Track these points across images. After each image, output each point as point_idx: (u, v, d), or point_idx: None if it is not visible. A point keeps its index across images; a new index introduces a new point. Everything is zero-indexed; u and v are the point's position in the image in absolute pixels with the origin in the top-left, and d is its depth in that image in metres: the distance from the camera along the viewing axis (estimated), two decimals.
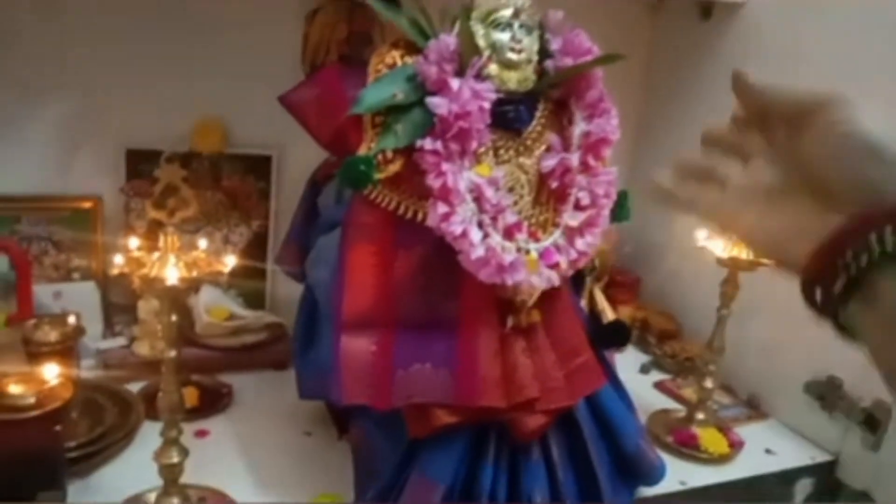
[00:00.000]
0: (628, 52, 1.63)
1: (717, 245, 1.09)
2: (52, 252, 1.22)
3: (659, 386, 1.36)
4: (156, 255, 0.76)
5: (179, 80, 1.24)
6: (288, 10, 1.24)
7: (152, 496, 0.86)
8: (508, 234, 0.80)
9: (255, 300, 1.38)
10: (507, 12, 0.82)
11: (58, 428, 0.85)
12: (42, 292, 1.16)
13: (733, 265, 1.07)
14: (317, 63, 1.22)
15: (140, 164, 1.22)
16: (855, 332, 0.37)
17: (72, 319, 1.03)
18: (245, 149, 1.32)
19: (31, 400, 0.83)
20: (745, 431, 1.20)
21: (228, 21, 1.25)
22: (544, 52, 0.86)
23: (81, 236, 1.23)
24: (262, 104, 1.10)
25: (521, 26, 0.82)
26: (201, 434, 1.05)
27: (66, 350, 1.00)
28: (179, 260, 0.75)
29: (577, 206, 0.83)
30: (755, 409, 1.31)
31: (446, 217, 0.76)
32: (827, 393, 1.18)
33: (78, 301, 1.19)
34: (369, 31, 1.19)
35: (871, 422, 1.11)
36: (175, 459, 0.83)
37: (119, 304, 1.26)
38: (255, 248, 1.37)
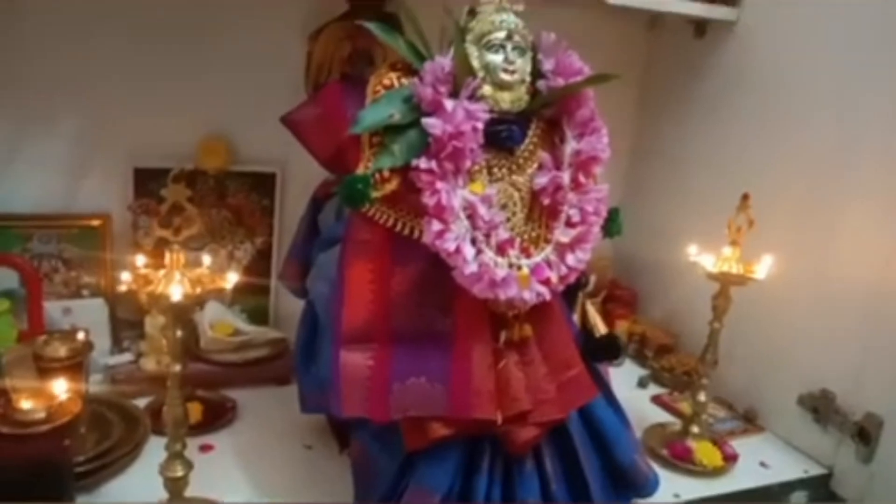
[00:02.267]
0: (625, 69, 1.67)
1: (707, 260, 1.11)
2: (61, 269, 1.25)
3: (656, 400, 1.38)
4: (162, 272, 0.79)
5: (185, 100, 1.28)
6: (292, 30, 1.29)
7: None
8: (501, 250, 0.82)
9: (259, 315, 1.41)
10: (500, 34, 0.85)
11: (67, 442, 0.87)
12: (52, 309, 1.19)
13: (724, 279, 1.09)
14: (320, 81, 1.26)
15: (147, 182, 1.26)
16: None
17: (81, 335, 1.05)
18: (249, 166, 1.36)
19: (42, 415, 0.85)
20: (741, 444, 1.22)
21: (233, 41, 1.28)
22: (537, 73, 0.89)
23: (90, 253, 1.26)
24: (266, 122, 1.13)
25: (514, 48, 0.85)
26: (206, 448, 1.07)
27: (76, 366, 1.01)
28: (184, 277, 0.78)
29: (568, 223, 0.86)
30: (751, 422, 1.32)
31: (440, 234, 0.79)
32: (820, 406, 1.20)
33: (87, 317, 1.22)
34: (371, 50, 1.22)
35: (864, 434, 1.13)
36: (180, 473, 0.85)
37: (127, 320, 1.29)
38: (260, 263, 1.40)
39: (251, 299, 1.40)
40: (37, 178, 1.23)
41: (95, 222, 1.27)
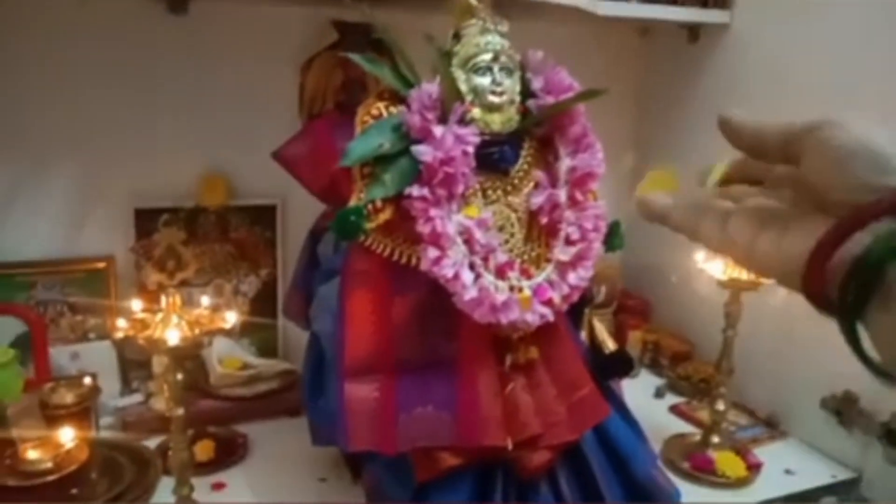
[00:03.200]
0: (621, 78, 1.66)
1: (715, 267, 1.09)
2: (67, 314, 1.25)
3: (674, 409, 1.35)
4: (159, 315, 0.78)
5: (182, 138, 1.28)
6: (284, 61, 1.29)
7: None
8: (500, 273, 0.81)
9: (268, 347, 1.40)
10: (486, 56, 0.84)
11: (74, 491, 0.87)
12: (59, 354, 1.20)
13: (734, 286, 1.07)
14: (314, 111, 1.25)
15: (148, 222, 1.26)
16: (870, 334, 0.35)
17: (87, 380, 1.05)
18: (250, 200, 1.36)
19: (49, 464, 0.85)
20: (764, 452, 1.19)
21: (226, 77, 1.29)
22: (527, 92, 0.88)
23: (96, 296, 1.26)
24: (263, 155, 1.13)
25: (501, 69, 0.84)
26: (218, 487, 1.06)
27: (84, 411, 1.01)
28: (182, 319, 0.77)
29: (568, 241, 0.84)
30: (774, 428, 1.29)
31: (438, 261, 0.78)
32: (844, 408, 1.17)
33: (95, 360, 1.22)
34: (364, 76, 1.22)
35: (891, 436, 1.10)
36: None
37: (135, 361, 1.28)
38: (265, 296, 1.39)
39: (259, 332, 1.39)
40: (38, 224, 1.24)
41: (100, 265, 1.27)
